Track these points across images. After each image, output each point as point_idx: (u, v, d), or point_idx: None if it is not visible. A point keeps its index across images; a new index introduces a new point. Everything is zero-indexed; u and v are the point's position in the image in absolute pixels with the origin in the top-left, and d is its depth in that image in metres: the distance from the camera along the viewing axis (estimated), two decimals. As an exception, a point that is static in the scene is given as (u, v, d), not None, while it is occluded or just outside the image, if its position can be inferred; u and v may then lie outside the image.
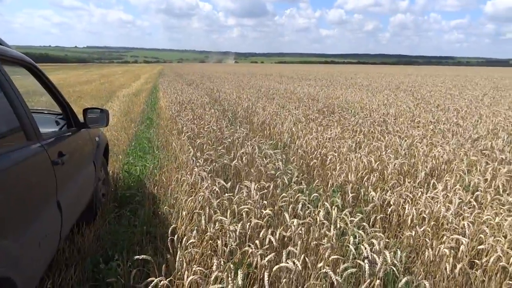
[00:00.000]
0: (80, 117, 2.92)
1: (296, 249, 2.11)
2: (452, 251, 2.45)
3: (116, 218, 3.38)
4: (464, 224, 2.61)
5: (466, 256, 2.44)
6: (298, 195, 3.15)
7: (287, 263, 1.97)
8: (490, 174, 3.74)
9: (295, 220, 2.45)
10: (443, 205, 3.00)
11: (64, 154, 2.27)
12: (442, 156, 4.44)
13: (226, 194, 3.16)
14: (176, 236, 2.49)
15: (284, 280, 1.97)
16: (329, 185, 3.81)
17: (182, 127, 6.33)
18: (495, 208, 2.97)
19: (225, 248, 2.25)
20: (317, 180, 3.91)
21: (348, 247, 2.40)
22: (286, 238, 2.48)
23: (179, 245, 2.37)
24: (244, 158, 4.26)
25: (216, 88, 15.88)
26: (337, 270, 2.14)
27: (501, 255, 2.28)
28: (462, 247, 2.43)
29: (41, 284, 2.21)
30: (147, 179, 4.41)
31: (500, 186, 3.43)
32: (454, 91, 15.91)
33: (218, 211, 2.87)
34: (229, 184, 3.37)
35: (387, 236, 3.05)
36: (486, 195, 3.19)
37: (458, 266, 2.28)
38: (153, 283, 1.79)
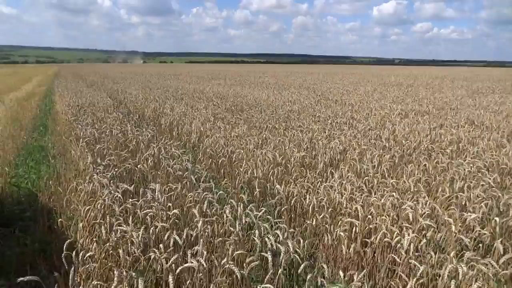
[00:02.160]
0: None
1: (201, 247, 2.10)
2: (347, 233, 2.69)
3: (3, 238, 2.99)
4: (356, 207, 2.89)
5: (359, 237, 2.70)
6: (205, 193, 3.14)
7: (192, 262, 1.96)
8: (376, 160, 4.20)
9: (201, 219, 2.44)
10: (338, 192, 3.27)
11: None
12: (338, 147, 4.84)
13: (130, 199, 3.02)
14: (74, 250, 2.29)
15: (188, 281, 1.96)
16: (237, 182, 3.88)
17: (80, 132, 5.85)
18: (380, 190, 3.33)
19: (128, 257, 2.15)
20: (226, 178, 3.95)
21: (254, 240, 2.47)
22: (192, 238, 2.46)
23: (77, 260, 2.18)
24: (149, 160, 4.10)
25: (120, 90, 15.02)
26: (244, 264, 2.20)
27: (385, 232, 2.57)
28: (354, 229, 2.69)
29: None
30: (40, 191, 3.98)
31: (385, 171, 3.87)
32: (349, 87, 17.48)
33: (121, 218, 2.72)
34: (132, 187, 3.23)
35: (292, 226, 3.22)
36: (373, 180, 3.57)
37: (352, 246, 2.52)
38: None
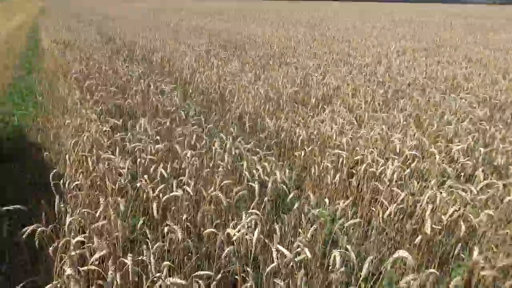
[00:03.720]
0: None
1: (187, 177, 2.12)
2: (334, 164, 2.72)
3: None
4: (344, 140, 2.89)
5: (345, 168, 2.73)
6: (194, 127, 3.12)
7: (177, 191, 1.99)
8: (370, 95, 4.14)
9: (189, 152, 2.44)
10: (328, 125, 3.25)
11: None
12: (332, 83, 4.75)
13: (119, 134, 3.00)
14: (62, 181, 2.31)
15: (173, 208, 2.00)
16: (228, 117, 3.85)
17: (69, 69, 5.67)
18: (371, 124, 3.32)
19: (114, 186, 2.17)
20: (215, 113, 3.91)
21: (243, 172, 2.50)
22: (180, 170, 2.48)
23: (64, 190, 2.21)
24: (138, 96, 4.03)
25: (114, 26, 14.37)
26: (231, 194, 2.23)
27: (371, 162, 2.59)
28: (342, 160, 2.71)
29: None
30: (29, 128, 3.95)
31: (377, 106, 3.83)
32: (358, 25, 16.80)
33: (109, 151, 2.72)
34: (121, 122, 3.21)
35: (282, 160, 3.26)
36: (365, 114, 3.54)
37: (337, 176, 2.56)
38: (28, 230, 1.66)
